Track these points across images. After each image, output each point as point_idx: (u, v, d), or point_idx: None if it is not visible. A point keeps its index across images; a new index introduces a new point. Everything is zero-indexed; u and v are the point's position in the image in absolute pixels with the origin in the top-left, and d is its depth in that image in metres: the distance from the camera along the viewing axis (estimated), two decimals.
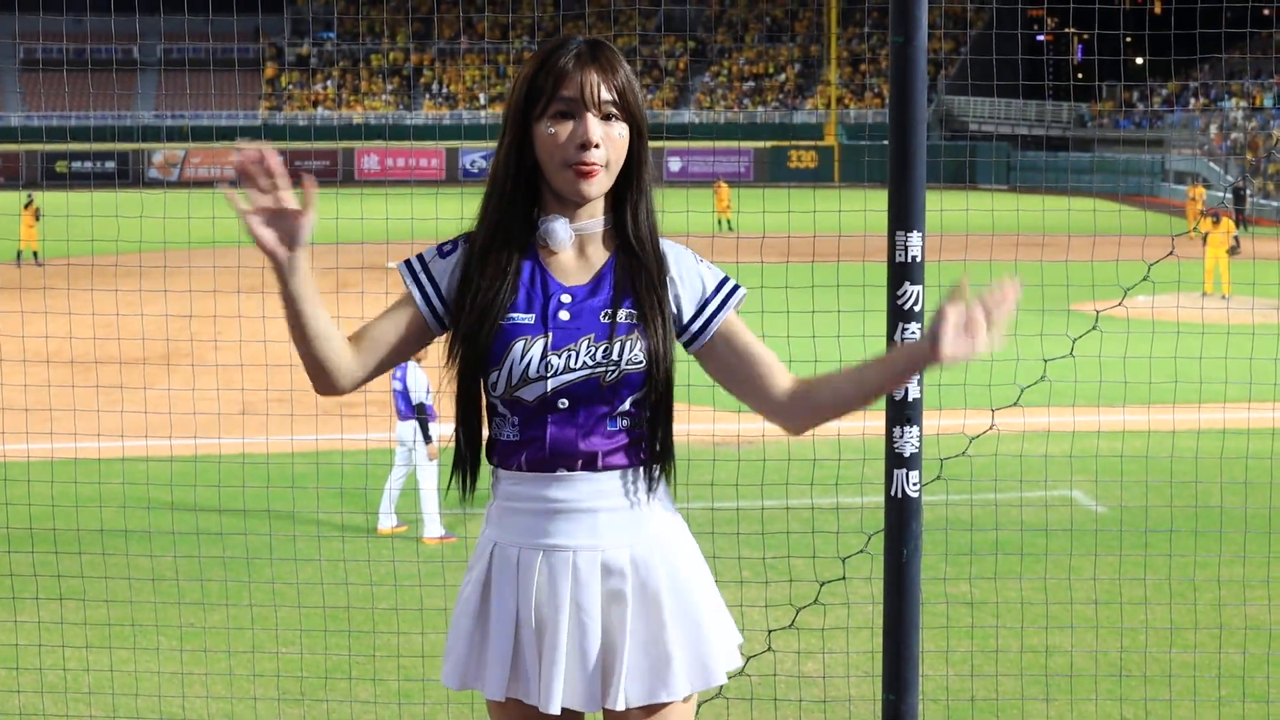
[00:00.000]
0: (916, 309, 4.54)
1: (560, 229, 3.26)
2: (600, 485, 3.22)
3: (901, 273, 4.55)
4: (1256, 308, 20.95)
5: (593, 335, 3.19)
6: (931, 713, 7.12)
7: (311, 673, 7.72)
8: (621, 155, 3.23)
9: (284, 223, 3.01)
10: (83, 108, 64.06)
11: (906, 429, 4.64)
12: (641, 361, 3.19)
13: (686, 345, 3.34)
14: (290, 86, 77.82)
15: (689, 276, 3.32)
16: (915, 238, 4.54)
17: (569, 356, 3.17)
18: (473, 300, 3.20)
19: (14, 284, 23.42)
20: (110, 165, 59.66)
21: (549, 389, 3.17)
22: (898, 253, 4.55)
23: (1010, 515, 10.33)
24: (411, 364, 10.87)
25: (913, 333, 4.49)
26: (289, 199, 3.01)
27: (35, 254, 32.29)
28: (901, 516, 4.69)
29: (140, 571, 8.72)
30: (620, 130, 3.21)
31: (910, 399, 4.63)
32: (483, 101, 71.36)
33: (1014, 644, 7.84)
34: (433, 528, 10.72)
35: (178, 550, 9.46)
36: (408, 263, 3.32)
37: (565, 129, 3.17)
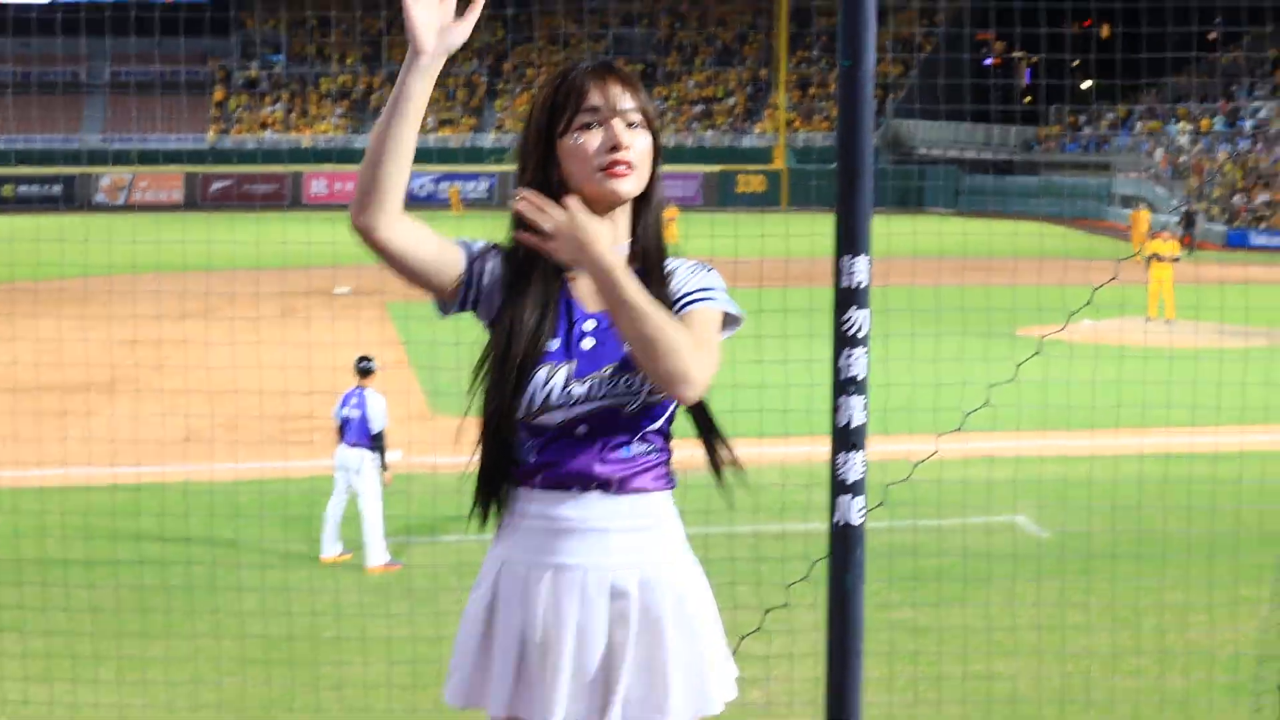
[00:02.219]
0: (861, 335, 4.52)
1: None
2: (615, 507, 3.20)
3: (847, 298, 4.52)
4: (1200, 332, 21.12)
5: (616, 364, 3.16)
6: None
7: (253, 704, 7.65)
8: (647, 165, 3.20)
9: (439, 19, 3.02)
10: (29, 131, 63.75)
11: (850, 455, 4.62)
12: (664, 391, 3.12)
13: None
14: (239, 110, 77.58)
15: (679, 284, 3.27)
16: (861, 262, 4.50)
17: (591, 385, 3.14)
18: (516, 324, 3.15)
19: None
20: (56, 189, 59.31)
21: (568, 416, 3.14)
22: (843, 278, 4.52)
23: (954, 540, 10.33)
24: (369, 390, 10.79)
25: (856, 358, 4.46)
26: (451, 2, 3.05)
27: None
28: (845, 543, 4.67)
29: (79, 603, 8.63)
30: (644, 140, 3.19)
31: (854, 425, 4.61)
32: (430, 125, 71.20)
33: (957, 670, 7.85)
34: (377, 555, 10.63)
35: (119, 580, 9.36)
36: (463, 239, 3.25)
37: (593, 137, 3.15)
